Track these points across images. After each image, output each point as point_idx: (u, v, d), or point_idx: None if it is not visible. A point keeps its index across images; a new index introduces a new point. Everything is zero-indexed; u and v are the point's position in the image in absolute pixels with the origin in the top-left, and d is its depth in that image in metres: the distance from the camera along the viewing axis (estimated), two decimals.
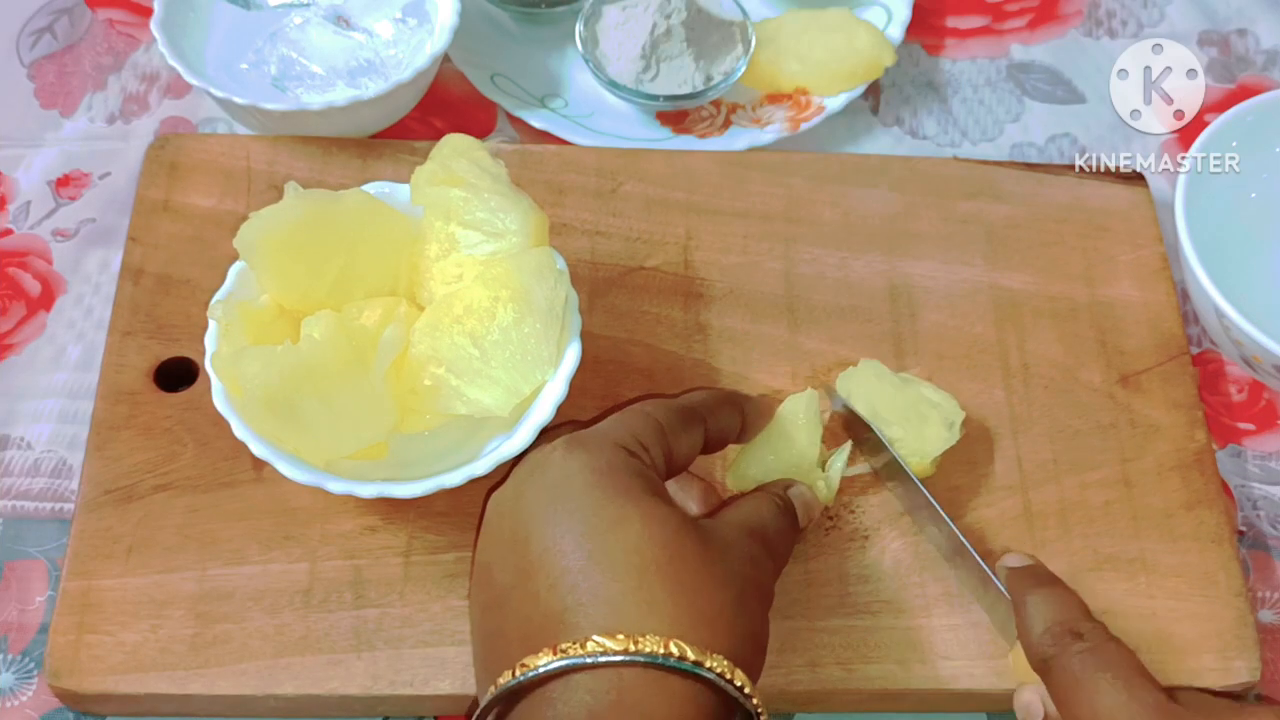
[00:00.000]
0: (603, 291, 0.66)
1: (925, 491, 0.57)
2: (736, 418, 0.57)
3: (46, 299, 0.68)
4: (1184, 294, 0.68)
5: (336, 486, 0.53)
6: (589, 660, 0.43)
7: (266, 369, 0.51)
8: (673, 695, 0.43)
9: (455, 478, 0.53)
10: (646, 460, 0.50)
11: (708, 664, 0.44)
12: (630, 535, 0.46)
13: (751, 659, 0.47)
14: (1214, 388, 0.68)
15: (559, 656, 0.43)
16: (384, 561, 0.58)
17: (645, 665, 0.43)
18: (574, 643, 0.44)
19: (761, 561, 0.50)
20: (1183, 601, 0.58)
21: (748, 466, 0.58)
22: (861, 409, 0.60)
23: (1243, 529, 0.64)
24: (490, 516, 0.50)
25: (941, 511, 0.56)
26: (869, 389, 0.60)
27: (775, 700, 0.57)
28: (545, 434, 0.54)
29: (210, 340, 0.55)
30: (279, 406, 0.52)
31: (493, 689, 0.45)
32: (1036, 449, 0.62)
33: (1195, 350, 0.69)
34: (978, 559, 0.55)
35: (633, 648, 0.43)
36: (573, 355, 0.55)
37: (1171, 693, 0.49)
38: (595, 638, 0.43)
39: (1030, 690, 0.53)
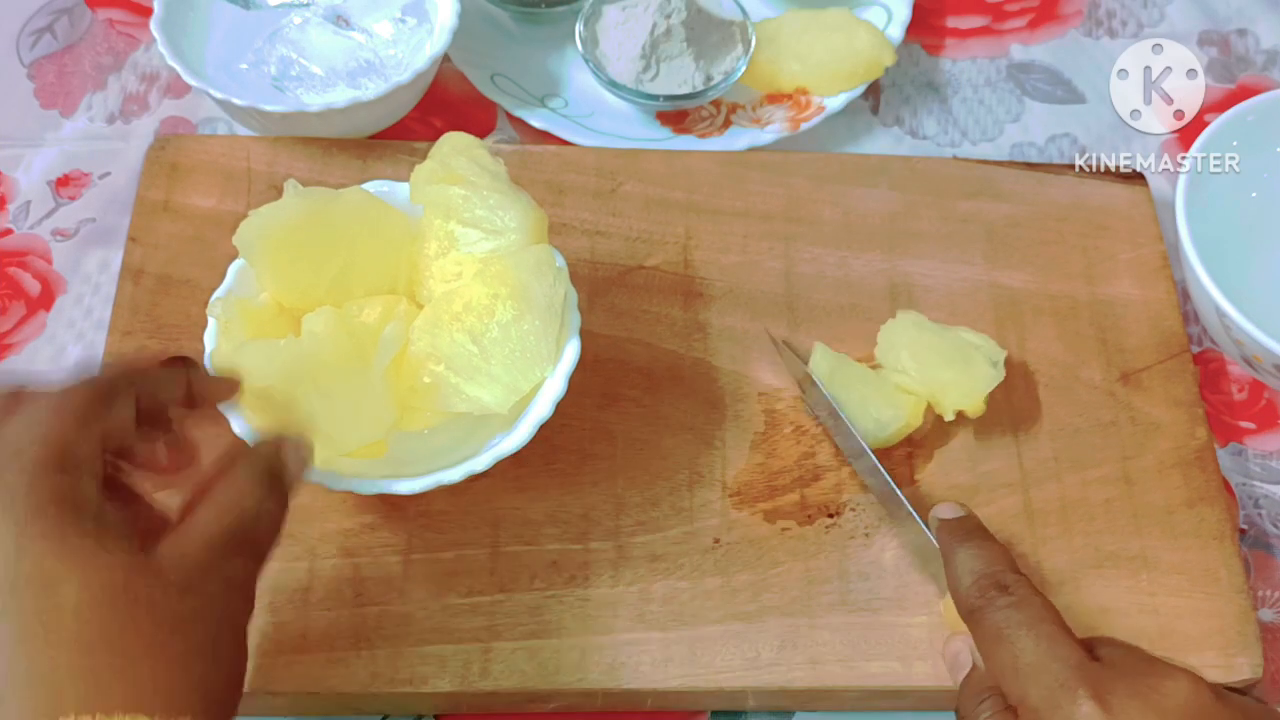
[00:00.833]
0: (602, 291, 0.65)
1: (865, 445, 0.58)
2: (177, 380, 0.47)
3: (46, 299, 0.68)
4: (1184, 293, 0.68)
5: (336, 484, 0.53)
6: None
7: (268, 361, 0.51)
8: None
9: (455, 474, 0.53)
10: (76, 476, 0.40)
11: None
12: (67, 599, 0.38)
13: (227, 701, 0.42)
14: (1215, 387, 0.68)
15: None
16: (383, 559, 0.57)
17: None
18: None
19: (240, 578, 0.44)
20: (1184, 598, 0.58)
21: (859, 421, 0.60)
22: (906, 359, 0.61)
23: (1244, 527, 0.64)
24: None
25: (880, 466, 0.57)
26: (911, 338, 0.61)
27: (776, 698, 0.57)
28: None
29: (210, 338, 0.55)
30: (278, 400, 0.52)
31: None
32: (1037, 446, 0.62)
33: (1196, 349, 0.69)
34: (911, 511, 0.56)
35: None
36: (572, 352, 0.55)
37: (1092, 645, 0.49)
38: None
39: (959, 640, 0.53)
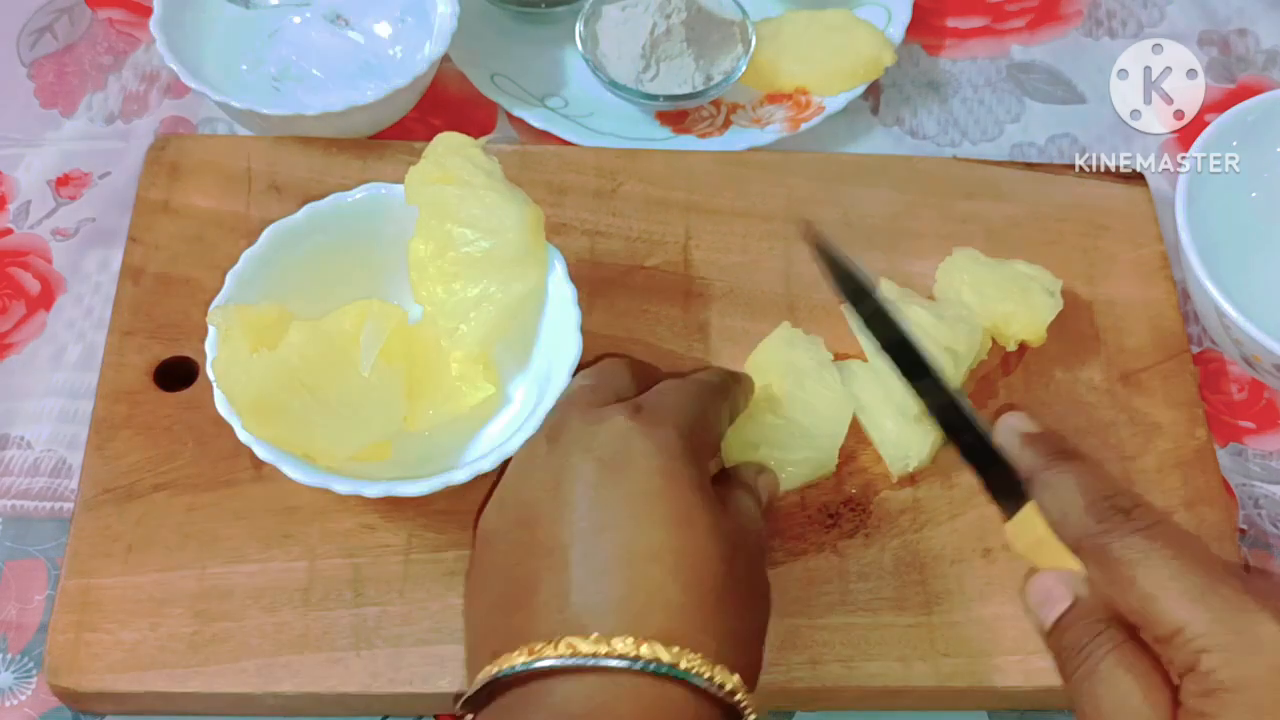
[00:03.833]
0: (603, 291, 0.65)
1: (910, 334, 0.51)
2: (742, 396, 0.57)
3: (46, 298, 0.68)
4: (1184, 294, 0.68)
5: (342, 487, 0.53)
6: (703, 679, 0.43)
7: (245, 375, 0.51)
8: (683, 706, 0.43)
9: (462, 475, 0.53)
10: (704, 447, 0.49)
11: (728, 685, 0.43)
12: (696, 543, 0.45)
13: (757, 665, 0.48)
14: (1215, 387, 0.68)
15: (604, 654, 0.42)
16: (383, 560, 0.57)
17: (668, 679, 0.42)
18: (596, 639, 0.42)
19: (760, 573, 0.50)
20: None
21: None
22: (968, 293, 0.62)
23: (1244, 527, 0.64)
24: (524, 467, 0.49)
25: (932, 365, 0.50)
26: (970, 273, 0.64)
27: (776, 698, 0.57)
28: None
29: (210, 345, 0.55)
30: (268, 411, 0.52)
31: (497, 669, 0.44)
32: None
33: (1196, 349, 0.69)
34: (973, 420, 0.49)
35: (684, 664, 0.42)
36: (574, 351, 0.55)
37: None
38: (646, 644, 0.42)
39: (1049, 575, 0.46)
